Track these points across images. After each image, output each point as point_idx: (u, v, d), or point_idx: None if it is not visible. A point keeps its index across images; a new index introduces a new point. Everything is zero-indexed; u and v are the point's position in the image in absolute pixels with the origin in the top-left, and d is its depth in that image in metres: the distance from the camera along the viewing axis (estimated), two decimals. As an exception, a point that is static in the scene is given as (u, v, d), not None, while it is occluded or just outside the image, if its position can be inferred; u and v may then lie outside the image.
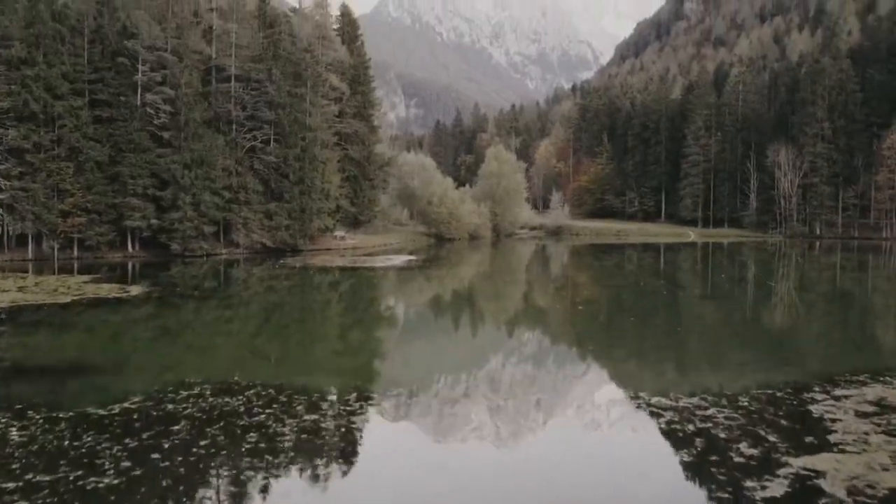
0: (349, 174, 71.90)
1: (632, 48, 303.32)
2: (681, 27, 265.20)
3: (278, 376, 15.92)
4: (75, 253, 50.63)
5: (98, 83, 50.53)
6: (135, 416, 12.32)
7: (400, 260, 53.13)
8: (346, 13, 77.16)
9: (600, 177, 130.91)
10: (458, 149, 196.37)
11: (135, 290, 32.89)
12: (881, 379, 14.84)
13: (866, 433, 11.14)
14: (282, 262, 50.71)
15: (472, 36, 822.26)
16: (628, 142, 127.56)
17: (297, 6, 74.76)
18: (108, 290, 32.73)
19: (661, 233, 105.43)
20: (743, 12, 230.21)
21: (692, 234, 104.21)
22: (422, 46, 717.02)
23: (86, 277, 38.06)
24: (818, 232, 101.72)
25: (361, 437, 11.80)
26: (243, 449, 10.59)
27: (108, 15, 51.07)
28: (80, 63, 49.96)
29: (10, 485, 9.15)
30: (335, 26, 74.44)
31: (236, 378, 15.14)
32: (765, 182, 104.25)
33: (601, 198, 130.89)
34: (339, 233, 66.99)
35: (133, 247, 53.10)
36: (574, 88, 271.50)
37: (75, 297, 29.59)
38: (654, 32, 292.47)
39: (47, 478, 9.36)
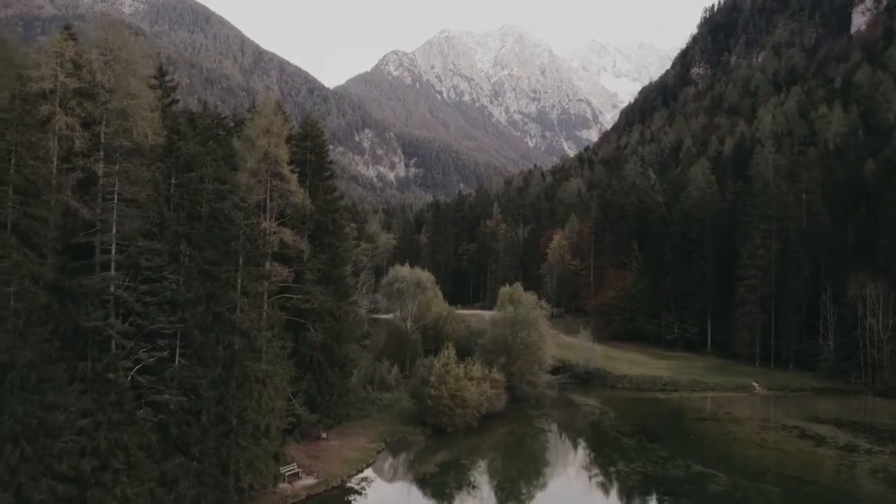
0: (312, 362, 50.33)
1: (637, 113, 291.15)
2: (689, 93, 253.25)
3: None
4: None
5: None
6: None
7: None
8: (312, 132, 54.05)
9: (631, 293, 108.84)
10: (460, 236, 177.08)
11: None
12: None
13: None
14: None
15: (472, 94, 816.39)
16: (665, 253, 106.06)
17: (242, 128, 52.61)
18: None
19: (717, 384, 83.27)
20: (755, 79, 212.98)
21: (757, 386, 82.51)
22: (422, 105, 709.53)
23: None
24: (916, 386, 79.99)
25: None
26: None
27: None
28: None
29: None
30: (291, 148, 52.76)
31: None
32: (845, 319, 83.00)
33: (631, 318, 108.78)
34: (289, 468, 44.89)
35: (-87, 575, 31.08)
36: (581, 160, 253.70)
37: None
38: (660, 98, 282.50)
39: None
